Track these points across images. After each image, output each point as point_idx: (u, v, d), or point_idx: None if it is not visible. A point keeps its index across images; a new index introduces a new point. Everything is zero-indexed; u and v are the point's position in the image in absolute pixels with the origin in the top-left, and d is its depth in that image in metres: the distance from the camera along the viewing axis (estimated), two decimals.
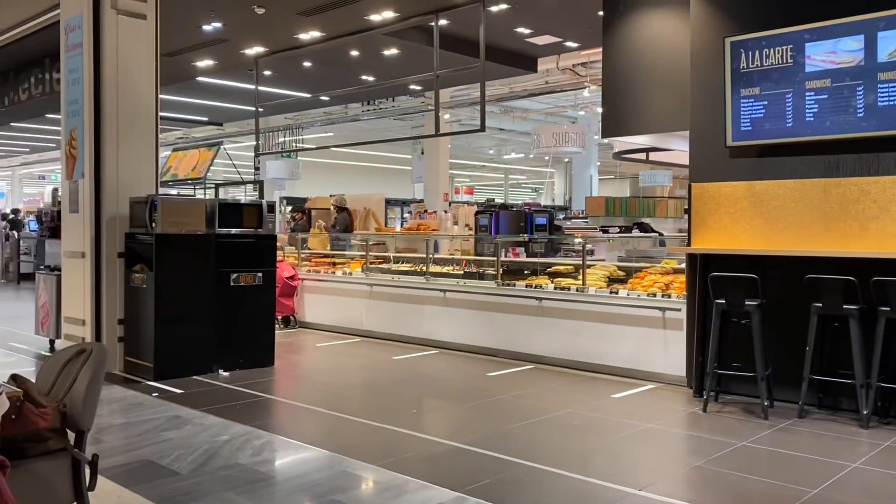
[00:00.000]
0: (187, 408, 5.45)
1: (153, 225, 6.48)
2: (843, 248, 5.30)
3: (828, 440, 4.74)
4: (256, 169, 23.02)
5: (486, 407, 5.66)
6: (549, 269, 7.74)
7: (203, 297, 6.72)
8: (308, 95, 13.57)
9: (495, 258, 8.09)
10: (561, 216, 25.90)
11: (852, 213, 5.31)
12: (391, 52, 10.61)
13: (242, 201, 7.19)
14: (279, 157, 20.27)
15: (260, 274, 7.05)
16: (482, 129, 7.73)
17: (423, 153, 18.82)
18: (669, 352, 6.25)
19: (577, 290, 7.00)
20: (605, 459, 4.43)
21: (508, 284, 7.57)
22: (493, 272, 7.90)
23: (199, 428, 4.96)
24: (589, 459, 4.42)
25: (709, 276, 5.57)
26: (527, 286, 7.42)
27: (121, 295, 6.91)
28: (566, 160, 24.08)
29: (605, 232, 9.91)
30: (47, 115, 14.44)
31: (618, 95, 6.78)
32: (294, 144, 17.25)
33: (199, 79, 12.54)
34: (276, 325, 7.67)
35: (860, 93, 5.19)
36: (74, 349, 2.90)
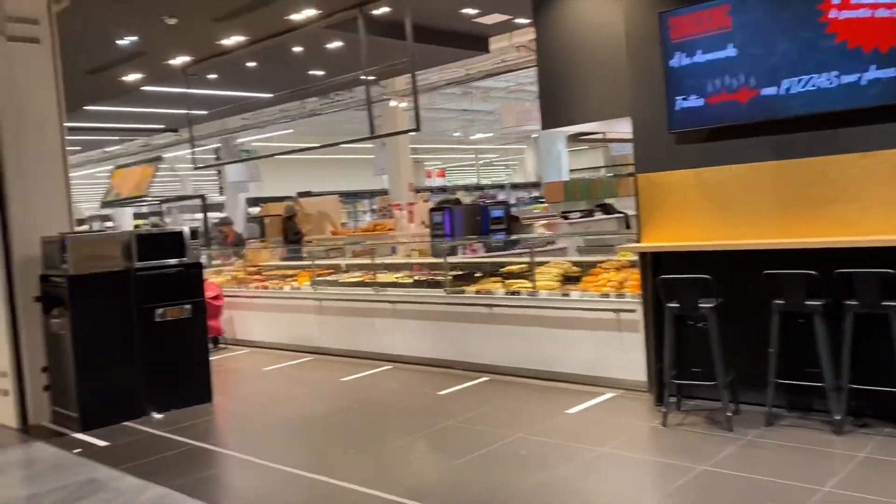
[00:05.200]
0: (106, 467, 5.00)
1: (65, 266, 6.00)
2: (802, 237, 4.85)
3: (797, 455, 4.30)
4: (218, 173, 22.41)
5: (429, 439, 5.21)
6: (502, 269, 7.27)
7: (126, 337, 6.24)
8: (258, 95, 12.93)
9: (443, 262, 7.59)
10: (535, 194, 25.40)
11: (808, 196, 4.85)
12: (335, 44, 10.03)
13: (163, 230, 6.68)
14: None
15: (188, 306, 6.56)
16: (417, 128, 7.21)
17: (384, 143, 18.23)
18: (627, 356, 5.81)
19: (528, 294, 6.53)
20: (551, 500, 3.98)
21: (457, 292, 7.09)
22: (443, 278, 7.43)
23: (113, 493, 4.52)
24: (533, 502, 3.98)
25: (657, 278, 5.11)
26: (477, 292, 6.96)
27: (42, 341, 6.43)
28: (534, 136, 23.54)
29: (566, 218, 9.43)
30: None
31: (555, 83, 6.25)
32: (241, 154, 16.52)
33: (145, 88, 11.89)
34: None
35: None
36: None
